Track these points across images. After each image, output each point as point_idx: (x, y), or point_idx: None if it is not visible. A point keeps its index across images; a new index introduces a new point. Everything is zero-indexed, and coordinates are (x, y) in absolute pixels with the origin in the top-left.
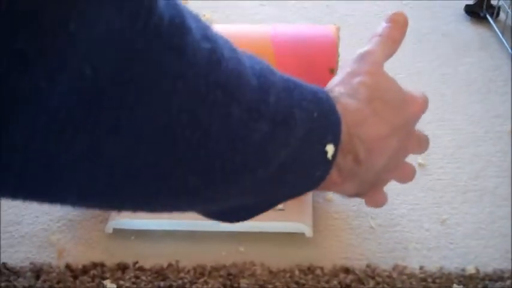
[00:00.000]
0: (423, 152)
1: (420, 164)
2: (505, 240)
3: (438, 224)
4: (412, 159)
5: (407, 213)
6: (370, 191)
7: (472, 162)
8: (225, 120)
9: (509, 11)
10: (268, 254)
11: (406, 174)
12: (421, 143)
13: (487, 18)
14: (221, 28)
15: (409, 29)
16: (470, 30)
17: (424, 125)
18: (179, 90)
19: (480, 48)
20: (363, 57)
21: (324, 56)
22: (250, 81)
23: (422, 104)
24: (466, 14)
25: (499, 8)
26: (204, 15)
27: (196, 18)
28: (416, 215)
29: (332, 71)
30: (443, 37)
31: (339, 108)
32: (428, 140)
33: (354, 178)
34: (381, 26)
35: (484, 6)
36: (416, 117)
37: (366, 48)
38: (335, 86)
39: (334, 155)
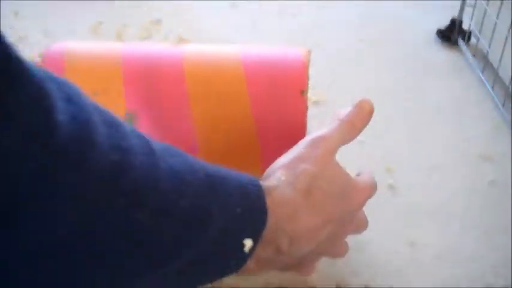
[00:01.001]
0: (360, 233)
1: (390, 186)
2: (473, 265)
3: (407, 246)
4: (382, 180)
5: (376, 236)
6: (297, 268)
7: (441, 186)
8: (127, 225)
9: (479, 36)
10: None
11: (338, 253)
12: (360, 227)
13: (457, 43)
14: (192, 48)
15: (381, 53)
16: (441, 55)
17: (395, 148)
18: (76, 204)
19: (450, 72)
20: (315, 142)
21: (295, 78)
22: (161, 185)
23: (368, 192)
24: (437, 38)
25: (470, 32)
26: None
27: (113, 125)
28: (385, 237)
29: (302, 93)
30: (414, 61)
31: (270, 201)
32: (367, 222)
33: (273, 264)
34: (345, 110)
35: (456, 31)
36: (359, 207)
37: (321, 132)
38: (278, 169)
39: (253, 249)
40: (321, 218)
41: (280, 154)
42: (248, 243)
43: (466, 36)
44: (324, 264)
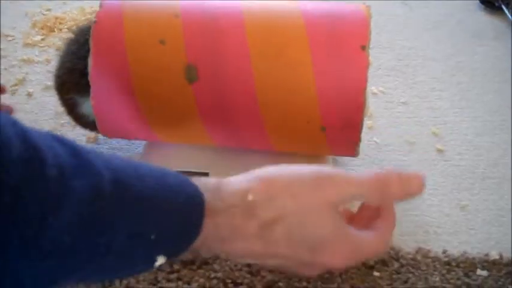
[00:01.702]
0: None
1: (439, 150)
2: None
3: (458, 209)
4: (431, 144)
5: (427, 198)
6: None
7: (490, 150)
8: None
9: None
10: None
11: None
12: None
13: (501, 8)
14: (251, 2)
15: (425, 16)
16: (485, 20)
17: (442, 111)
18: None
19: (495, 37)
20: (324, 181)
21: (356, 33)
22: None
23: (345, 264)
24: (480, 4)
25: None
26: None
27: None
28: (436, 200)
29: (363, 48)
30: (458, 25)
31: (209, 222)
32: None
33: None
34: (393, 171)
35: None
36: (335, 267)
37: (343, 174)
38: (258, 181)
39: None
40: (266, 252)
41: (339, 109)
42: (161, 260)
43: (510, 1)
44: None
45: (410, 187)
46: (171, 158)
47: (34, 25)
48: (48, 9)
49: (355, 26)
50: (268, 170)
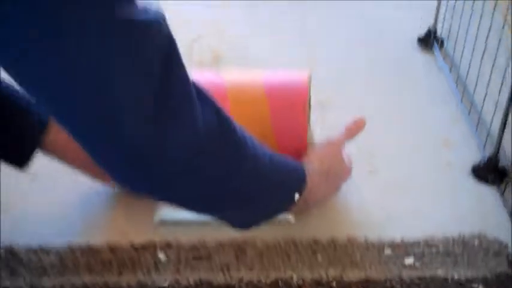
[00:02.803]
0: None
1: (370, 171)
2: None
3: (383, 211)
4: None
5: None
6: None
7: (412, 164)
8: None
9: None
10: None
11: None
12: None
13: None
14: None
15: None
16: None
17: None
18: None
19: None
20: (333, 144)
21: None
22: (265, 160)
23: (349, 172)
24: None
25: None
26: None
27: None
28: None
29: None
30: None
31: (308, 179)
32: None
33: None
34: (349, 124)
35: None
36: (347, 176)
37: (335, 137)
38: (314, 159)
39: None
40: (329, 193)
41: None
42: (296, 196)
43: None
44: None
45: (359, 124)
46: None
47: None
48: None
49: (298, 95)
50: (311, 154)
